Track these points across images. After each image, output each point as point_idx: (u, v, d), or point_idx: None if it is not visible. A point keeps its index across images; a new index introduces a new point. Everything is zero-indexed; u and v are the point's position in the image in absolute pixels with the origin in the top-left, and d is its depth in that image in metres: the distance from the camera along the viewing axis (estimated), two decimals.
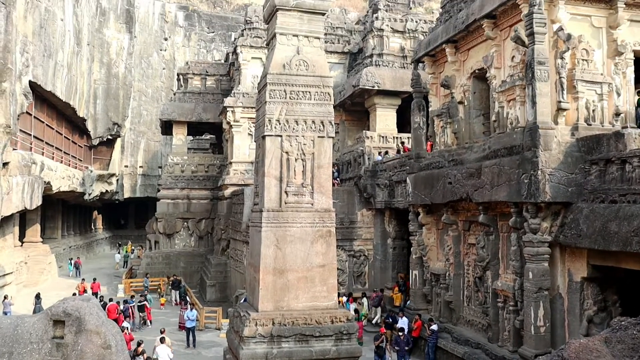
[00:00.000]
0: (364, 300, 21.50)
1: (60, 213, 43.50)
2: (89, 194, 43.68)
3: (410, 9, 28.04)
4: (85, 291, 25.54)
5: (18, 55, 27.09)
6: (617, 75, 13.26)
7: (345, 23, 31.24)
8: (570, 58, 12.87)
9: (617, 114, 13.13)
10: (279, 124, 12.91)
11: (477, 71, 15.70)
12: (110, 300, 21.97)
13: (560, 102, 12.62)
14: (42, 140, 35.12)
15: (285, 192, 12.98)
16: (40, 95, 33.70)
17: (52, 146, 37.32)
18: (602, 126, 12.78)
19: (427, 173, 16.96)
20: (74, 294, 22.82)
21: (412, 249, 18.86)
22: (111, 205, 57.54)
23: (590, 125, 12.73)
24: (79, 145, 45.63)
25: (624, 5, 13.04)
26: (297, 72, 13.11)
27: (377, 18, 26.16)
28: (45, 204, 34.20)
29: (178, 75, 39.03)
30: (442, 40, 16.58)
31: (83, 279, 29.25)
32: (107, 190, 48.94)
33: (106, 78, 46.51)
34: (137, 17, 52.81)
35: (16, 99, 26.42)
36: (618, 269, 11.18)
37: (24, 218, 33.66)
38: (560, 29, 12.82)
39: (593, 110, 12.88)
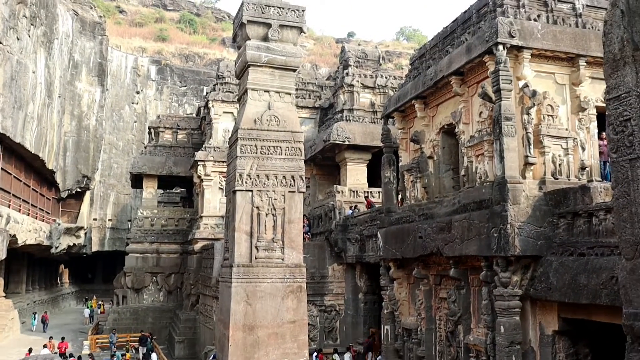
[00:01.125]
0: (336, 356, 21.11)
1: (26, 267, 42.42)
2: (56, 248, 42.75)
3: (380, 65, 28.55)
4: (45, 346, 24.64)
5: None
6: (581, 130, 13.53)
7: (316, 78, 31.67)
8: (536, 114, 13.12)
9: (583, 168, 13.35)
10: (250, 178, 12.88)
11: (446, 126, 15.88)
12: (70, 355, 21.26)
13: (527, 156, 12.80)
14: (9, 193, 34.47)
15: (256, 247, 12.85)
16: (9, 147, 33.26)
17: (20, 198, 36.65)
18: (569, 180, 12.96)
19: (398, 227, 16.94)
20: (30, 350, 22.14)
21: (383, 304, 18.66)
22: (78, 258, 56.37)
23: (557, 179, 12.90)
24: (47, 198, 44.89)
25: (585, 64, 13.43)
26: (268, 127, 13.17)
27: (347, 74, 26.55)
28: (10, 257, 33.33)
29: (149, 128, 38.93)
30: (412, 96, 16.79)
31: (51, 337, 28.29)
32: (74, 244, 47.97)
33: (77, 130, 46.20)
34: (110, 70, 52.94)
35: None
36: (589, 322, 11.16)
37: None
38: (526, 85, 13.10)
39: (559, 165, 13.07)
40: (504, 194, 12.07)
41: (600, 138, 13.91)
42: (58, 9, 40.40)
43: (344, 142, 24.72)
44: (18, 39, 30.97)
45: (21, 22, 31.38)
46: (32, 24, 33.18)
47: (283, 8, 13.57)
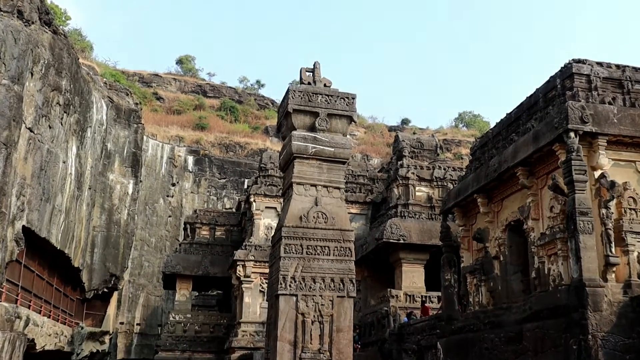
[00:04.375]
0: None
1: None
2: (77, 354, 42.83)
3: (438, 155, 28.79)
4: None
5: (14, 198, 27.83)
6: None
7: (367, 170, 32.04)
8: (615, 207, 12.93)
9: None
10: (294, 281, 12.84)
11: (512, 223, 15.76)
12: None
13: (608, 256, 12.52)
14: (31, 292, 35.06)
15: (300, 358, 12.67)
16: (33, 242, 34.12)
17: (41, 299, 37.18)
18: None
19: (461, 337, 16.56)
20: None
21: None
22: None
23: None
24: (70, 298, 45.42)
25: None
26: (315, 225, 13.23)
27: (401, 165, 26.77)
28: None
29: (185, 224, 39.62)
30: (473, 190, 16.81)
31: None
32: (98, 351, 47.98)
33: (106, 225, 47.22)
34: (144, 161, 54.56)
35: (6, 245, 26.79)
36: None
37: None
38: (603, 176, 12.99)
39: None
40: (583, 299, 11.77)
41: None
42: (93, 96, 42.40)
43: (398, 240, 24.64)
44: (50, 127, 32.45)
45: (54, 109, 32.96)
46: (65, 112, 34.81)
47: (331, 96, 13.92)
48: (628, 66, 14.72)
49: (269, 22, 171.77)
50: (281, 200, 17.12)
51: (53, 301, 40.28)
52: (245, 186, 47.59)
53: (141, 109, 53.25)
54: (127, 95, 51.44)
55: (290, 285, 12.88)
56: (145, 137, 54.01)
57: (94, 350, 47.03)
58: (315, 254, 13.12)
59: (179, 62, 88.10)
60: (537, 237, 14.29)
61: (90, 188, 42.90)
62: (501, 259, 16.24)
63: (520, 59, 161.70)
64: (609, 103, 13.70)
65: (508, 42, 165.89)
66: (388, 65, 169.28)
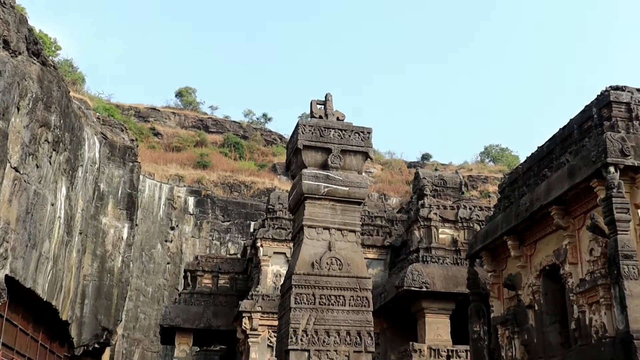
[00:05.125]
0: None
1: None
2: None
3: (463, 193, 28.73)
4: None
5: None
6: None
7: (385, 211, 31.96)
8: None
9: None
10: (306, 335, 12.73)
11: (547, 268, 15.65)
12: None
13: None
14: (13, 349, 34.87)
15: None
16: (18, 293, 34.08)
17: (25, 356, 36.99)
18: None
19: None
20: None
21: None
22: None
23: None
24: (57, 355, 45.14)
25: None
26: (328, 272, 13.14)
27: (422, 205, 26.70)
28: None
29: (185, 271, 39.54)
30: (502, 231, 16.73)
31: None
32: None
33: (98, 273, 47.13)
34: (141, 202, 54.68)
35: None
36: None
37: None
38: None
39: None
40: (631, 353, 11.61)
41: None
42: (85, 132, 42.70)
43: (420, 288, 24.45)
44: (37, 167, 32.61)
45: (42, 147, 33.18)
46: (54, 150, 35.01)
47: (345, 130, 13.90)
48: None
49: (276, 51, 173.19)
50: (291, 245, 17.07)
51: (38, 359, 40.09)
52: (252, 230, 47.50)
53: (137, 146, 53.51)
54: (122, 131, 51.79)
55: (301, 340, 12.75)
56: (141, 177, 54.16)
57: None
58: (329, 305, 13.01)
59: (179, 94, 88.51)
60: (575, 284, 14.17)
61: (81, 233, 42.94)
62: (536, 308, 16.08)
63: (552, 88, 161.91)
64: None
65: (538, 69, 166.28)
66: (407, 97, 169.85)
